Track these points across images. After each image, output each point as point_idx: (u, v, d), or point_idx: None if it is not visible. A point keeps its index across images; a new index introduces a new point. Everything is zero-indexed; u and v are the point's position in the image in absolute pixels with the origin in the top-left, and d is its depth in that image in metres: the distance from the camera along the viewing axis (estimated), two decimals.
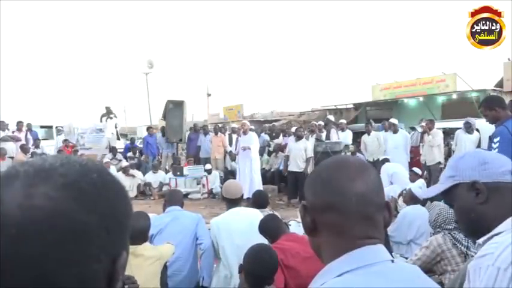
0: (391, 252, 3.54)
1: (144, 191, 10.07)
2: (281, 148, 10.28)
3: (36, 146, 11.17)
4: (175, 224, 3.37)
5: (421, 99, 15.99)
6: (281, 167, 9.42)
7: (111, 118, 12.92)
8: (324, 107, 19.55)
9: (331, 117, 10.50)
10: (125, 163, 10.52)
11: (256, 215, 3.43)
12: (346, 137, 9.73)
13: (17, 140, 10.62)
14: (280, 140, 11.10)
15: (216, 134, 11.02)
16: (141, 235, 2.66)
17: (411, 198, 5.04)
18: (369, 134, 9.60)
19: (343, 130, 9.96)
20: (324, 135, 9.37)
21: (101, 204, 0.53)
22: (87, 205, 0.51)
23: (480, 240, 1.07)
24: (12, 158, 9.87)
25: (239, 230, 3.23)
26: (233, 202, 3.51)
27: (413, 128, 10.64)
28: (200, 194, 9.49)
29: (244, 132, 7.97)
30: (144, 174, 10.33)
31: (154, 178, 10.18)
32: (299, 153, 8.31)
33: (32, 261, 0.47)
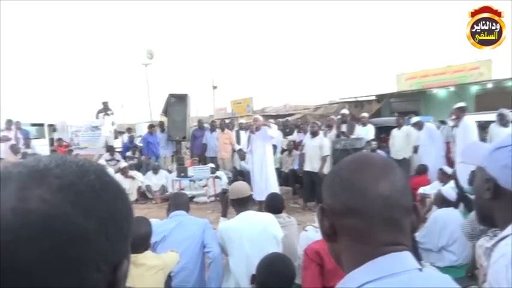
0: (419, 260, 3.52)
1: (144, 194, 10.14)
2: (295, 146, 10.25)
3: (27, 146, 11.31)
4: (181, 230, 3.37)
5: (451, 89, 15.82)
6: (296, 167, 9.41)
7: (108, 115, 12.99)
8: (343, 99, 19.47)
9: (346, 111, 10.45)
10: (123, 163, 10.58)
11: (270, 221, 3.42)
12: (368, 132, 9.68)
13: (7, 139, 10.76)
14: (295, 136, 11.07)
15: (223, 130, 11.01)
16: (142, 242, 2.68)
17: (442, 201, 4.99)
18: (399, 128, 9.54)
19: (364, 125, 9.91)
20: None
21: (99, 208, 0.54)
22: (84, 209, 0.52)
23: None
24: (1, 159, 10.02)
25: (250, 236, 3.21)
26: (241, 203, 3.48)
27: (443, 122, 10.54)
28: (207, 197, 9.53)
29: (257, 129, 7.87)
30: (144, 175, 10.39)
31: (155, 180, 10.24)
32: (315, 152, 8.27)
33: (27, 268, 0.48)
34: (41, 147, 12.20)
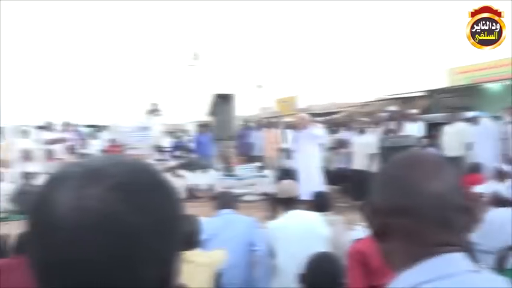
0: (475, 262, 3.38)
1: (192, 193, 10.35)
2: (341, 144, 10.14)
3: (83, 147, 11.83)
4: (228, 228, 3.40)
5: (506, 83, 15.06)
6: (342, 165, 9.30)
7: (157, 115, 13.37)
8: (390, 95, 19.00)
9: (394, 108, 10.20)
10: (172, 163, 10.85)
11: (317, 220, 3.40)
12: (417, 129, 9.41)
13: (63, 141, 11.31)
14: (341, 134, 10.95)
15: (269, 129, 11.08)
16: (191, 240, 2.73)
17: (498, 201, 4.80)
18: (451, 124, 9.22)
19: (413, 121, 9.64)
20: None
21: (151, 206, 0.55)
22: (137, 207, 0.53)
23: None
24: (59, 159, 10.53)
25: (297, 235, 3.20)
26: (288, 203, 3.48)
27: (497, 117, 10.07)
28: (253, 196, 9.58)
29: (303, 127, 7.80)
30: (193, 174, 10.61)
31: (203, 179, 10.43)
32: (362, 149, 8.15)
33: (83, 266, 0.50)
34: (96, 148, 12.71)
